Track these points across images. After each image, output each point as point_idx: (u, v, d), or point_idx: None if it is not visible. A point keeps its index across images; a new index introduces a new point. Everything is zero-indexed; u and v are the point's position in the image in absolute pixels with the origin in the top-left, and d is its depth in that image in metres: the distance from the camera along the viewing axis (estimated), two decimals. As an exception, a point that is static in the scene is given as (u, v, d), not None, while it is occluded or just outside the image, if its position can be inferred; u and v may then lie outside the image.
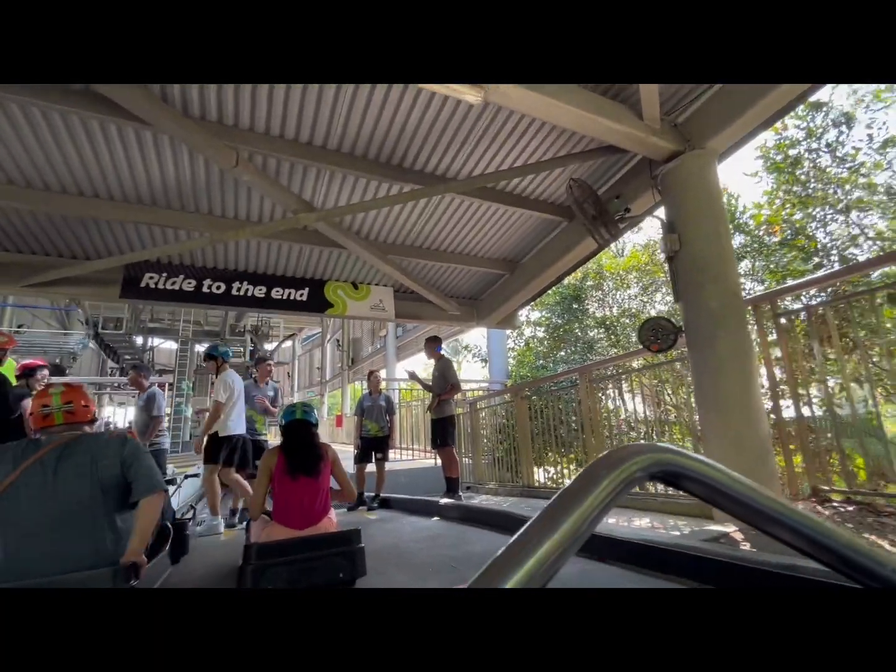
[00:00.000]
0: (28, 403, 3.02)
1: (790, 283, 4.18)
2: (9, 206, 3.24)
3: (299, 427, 2.47)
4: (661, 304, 6.97)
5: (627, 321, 6.81)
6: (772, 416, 2.95)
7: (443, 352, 4.79)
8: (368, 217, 4.15)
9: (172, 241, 3.83)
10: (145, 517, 1.81)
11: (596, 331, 7.21)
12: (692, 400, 3.23)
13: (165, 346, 18.76)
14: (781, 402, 2.99)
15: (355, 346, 17.43)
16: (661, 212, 3.32)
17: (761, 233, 5.95)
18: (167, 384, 14.46)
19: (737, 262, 3.61)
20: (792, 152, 5.84)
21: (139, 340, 16.56)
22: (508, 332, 8.60)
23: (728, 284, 2.90)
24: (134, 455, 1.88)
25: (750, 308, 2.99)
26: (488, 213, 4.28)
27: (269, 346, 18.35)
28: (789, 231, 5.54)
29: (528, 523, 0.35)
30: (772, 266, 5.60)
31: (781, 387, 3.01)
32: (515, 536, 0.34)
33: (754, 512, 0.42)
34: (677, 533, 2.60)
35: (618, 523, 2.99)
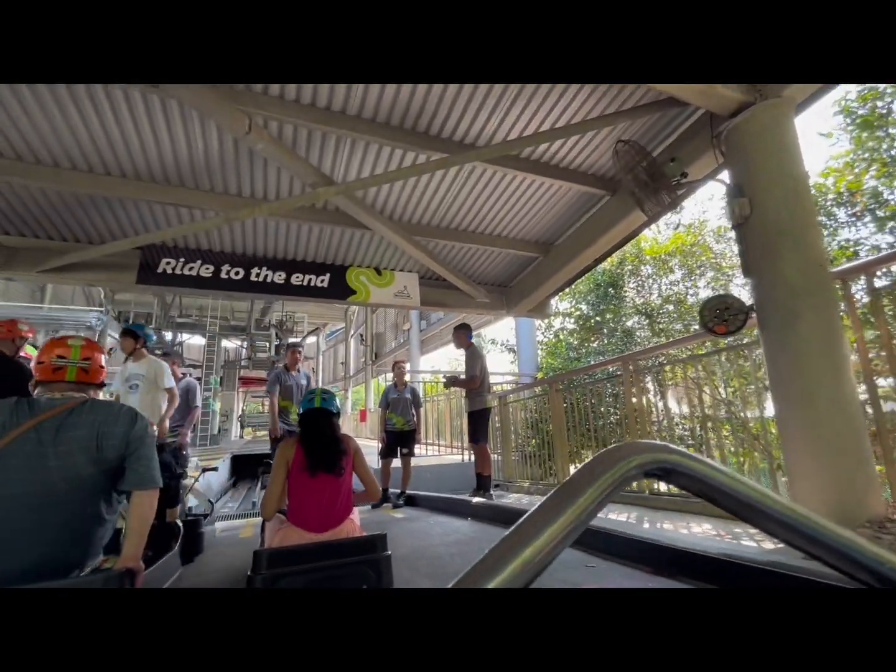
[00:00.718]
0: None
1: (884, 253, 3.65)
2: (19, 183, 3.09)
3: (318, 417, 2.18)
4: (707, 289, 6.40)
5: (671, 308, 6.28)
6: (867, 409, 2.50)
7: (473, 340, 4.50)
8: (392, 194, 3.85)
9: (188, 221, 3.63)
10: (141, 515, 1.54)
11: (636, 319, 6.71)
12: (744, 392, 2.82)
13: (192, 341, 19.10)
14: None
15: (379, 340, 17.32)
16: (724, 175, 2.90)
17: (829, 203, 5.29)
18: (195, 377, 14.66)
19: (821, 229, 3.14)
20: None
21: (168, 336, 16.89)
22: (537, 323, 8.20)
23: (812, 253, 2.46)
24: (141, 438, 1.61)
25: (838, 282, 2.55)
26: (522, 188, 3.92)
27: (293, 341, 18.43)
28: (873, 201, 4.86)
29: (523, 518, 0.35)
30: (842, 241, 4.99)
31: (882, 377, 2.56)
32: (509, 532, 0.35)
33: (746, 507, 0.42)
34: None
35: (678, 529, 2.63)
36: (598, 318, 7.47)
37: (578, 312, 7.61)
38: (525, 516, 0.35)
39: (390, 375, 5.14)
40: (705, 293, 6.28)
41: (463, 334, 4.37)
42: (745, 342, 3.23)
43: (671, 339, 4.88)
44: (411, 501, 4.62)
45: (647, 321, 6.44)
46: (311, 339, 22.08)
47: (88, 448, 1.51)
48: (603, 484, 0.37)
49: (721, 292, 3.73)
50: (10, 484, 1.39)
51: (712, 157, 2.93)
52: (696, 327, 6.11)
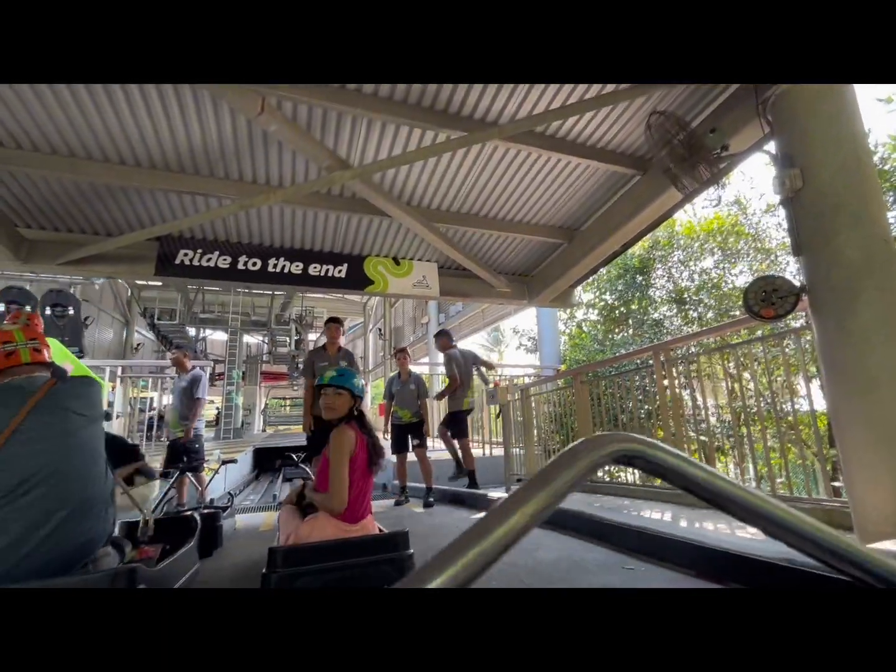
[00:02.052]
0: None
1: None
2: (36, 174, 3.08)
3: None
4: (744, 275, 6.03)
5: (704, 296, 5.93)
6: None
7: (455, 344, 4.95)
8: (410, 179, 3.71)
9: (203, 210, 3.57)
10: None
11: (667, 307, 6.39)
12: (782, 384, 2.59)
13: (214, 336, 19.44)
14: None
15: (397, 334, 17.29)
16: (770, 146, 2.66)
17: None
18: (209, 370, 14.93)
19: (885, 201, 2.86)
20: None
21: (192, 331, 17.22)
22: (560, 314, 7.97)
23: (875, 228, 2.22)
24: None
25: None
26: (546, 169, 3.73)
27: (312, 336, 18.60)
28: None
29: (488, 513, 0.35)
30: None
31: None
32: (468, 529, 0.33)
33: (702, 488, 0.43)
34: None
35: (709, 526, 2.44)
36: (622, 309, 7.20)
37: (602, 303, 7.34)
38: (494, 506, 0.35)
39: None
40: (742, 280, 5.92)
41: (443, 339, 4.71)
42: (784, 329, 3.00)
43: (704, 328, 4.61)
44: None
45: (678, 309, 6.11)
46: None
47: (90, 419, 1.51)
48: (574, 470, 0.38)
49: (766, 273, 3.46)
50: (47, 465, 1.35)
51: (757, 126, 2.70)
52: (735, 313, 5.77)
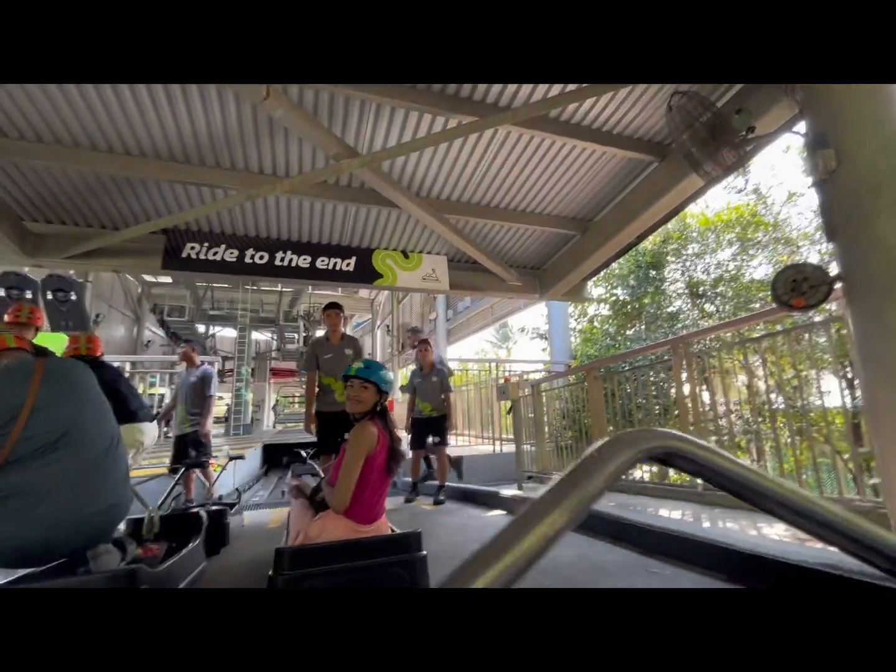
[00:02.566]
0: None
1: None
2: (40, 165, 3.03)
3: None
4: (763, 266, 5.83)
5: (723, 288, 5.73)
6: None
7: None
8: (420, 168, 3.61)
9: (210, 201, 3.50)
10: None
11: (682, 300, 6.21)
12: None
13: (223, 333, 19.52)
14: None
15: (405, 331, 17.21)
16: (800, 127, 2.51)
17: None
18: (218, 366, 15.03)
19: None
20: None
21: (201, 328, 17.31)
22: (571, 310, 7.83)
23: (918, 210, 2.08)
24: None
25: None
26: (560, 156, 3.60)
27: (320, 332, 18.56)
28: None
29: (522, 512, 0.34)
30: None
31: None
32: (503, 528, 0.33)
33: (745, 487, 0.42)
34: None
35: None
36: (635, 304, 7.05)
37: (614, 298, 7.18)
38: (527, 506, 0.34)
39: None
40: (762, 272, 5.73)
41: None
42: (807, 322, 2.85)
43: (724, 321, 4.46)
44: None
45: (694, 302, 5.93)
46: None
47: (88, 385, 1.70)
48: (608, 469, 0.37)
49: (797, 262, 3.29)
50: (67, 424, 1.53)
51: (786, 105, 2.55)
52: (755, 306, 5.58)
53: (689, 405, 3.42)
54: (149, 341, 17.61)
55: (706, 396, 3.42)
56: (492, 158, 3.57)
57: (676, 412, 5.09)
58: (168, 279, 17.44)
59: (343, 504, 1.71)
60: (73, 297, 5.48)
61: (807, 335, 3.13)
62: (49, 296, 5.42)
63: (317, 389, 3.62)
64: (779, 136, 2.78)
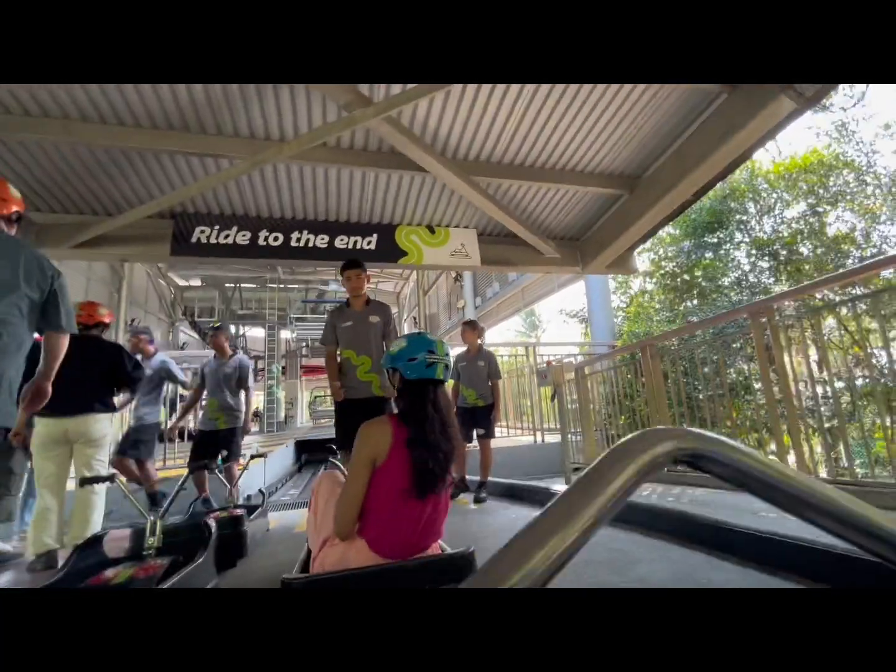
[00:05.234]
0: None
1: None
2: (30, 139, 2.78)
3: (442, 396, 1.40)
4: (844, 218, 5.02)
5: (805, 247, 4.94)
6: None
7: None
8: (444, 122, 3.17)
9: (214, 173, 3.17)
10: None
11: (748, 263, 5.44)
12: None
13: (252, 333, 19.77)
14: None
15: (432, 322, 16.90)
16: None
17: None
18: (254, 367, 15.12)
19: None
20: None
21: (231, 328, 17.54)
22: (612, 286, 7.22)
23: None
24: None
25: None
26: (605, 99, 3.08)
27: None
28: None
29: (545, 509, 0.34)
30: None
31: None
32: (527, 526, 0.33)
33: (783, 494, 0.39)
34: None
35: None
36: (685, 276, 6.38)
37: (662, 271, 6.52)
38: (548, 506, 0.34)
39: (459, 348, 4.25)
40: (846, 224, 4.89)
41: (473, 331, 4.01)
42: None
43: (810, 281, 3.80)
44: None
45: (772, 263, 5.17)
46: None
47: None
48: (630, 472, 0.35)
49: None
50: None
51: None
52: (849, 262, 4.78)
53: (776, 383, 2.87)
54: (184, 343, 18.04)
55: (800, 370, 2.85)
56: (525, 106, 3.08)
57: (745, 394, 4.49)
58: (198, 282, 17.79)
59: (345, 527, 1.28)
60: None
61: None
62: None
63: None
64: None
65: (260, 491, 3.74)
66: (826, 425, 4.01)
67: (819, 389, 3.01)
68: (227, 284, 17.71)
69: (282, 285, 17.69)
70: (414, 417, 1.33)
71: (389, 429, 1.30)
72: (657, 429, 0.38)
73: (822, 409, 3.64)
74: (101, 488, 2.68)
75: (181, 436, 5.20)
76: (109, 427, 2.86)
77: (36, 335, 3.32)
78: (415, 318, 18.05)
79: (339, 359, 2.93)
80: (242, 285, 17.99)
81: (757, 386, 3.82)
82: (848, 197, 4.80)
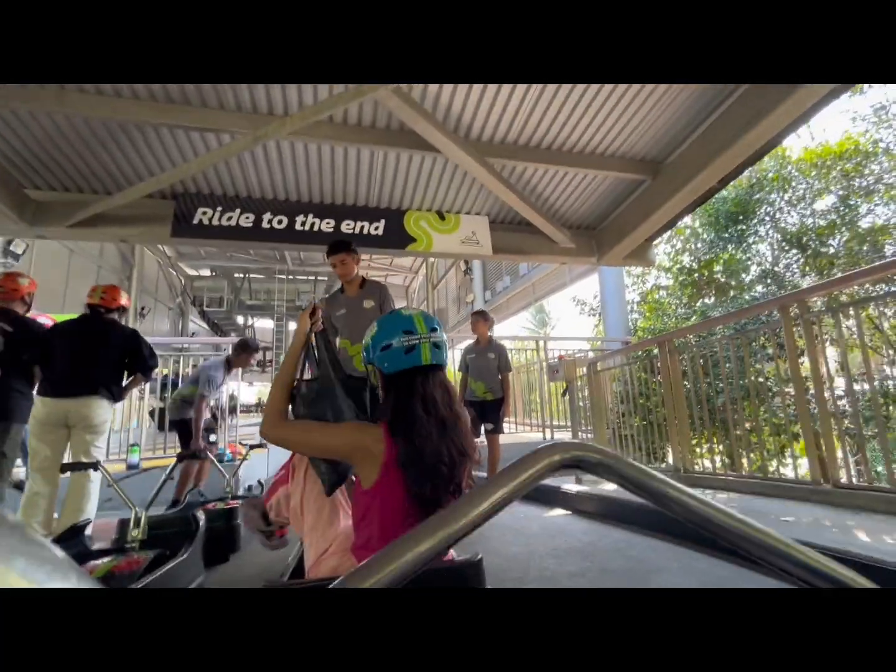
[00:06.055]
0: None
1: None
2: (23, 109, 2.66)
3: (438, 386, 1.09)
4: (877, 213, 4.74)
5: (834, 240, 4.67)
6: None
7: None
8: (456, 99, 2.99)
9: (216, 149, 3.03)
10: None
11: (773, 256, 5.17)
12: None
13: (260, 325, 19.78)
14: None
15: (441, 316, 16.75)
16: None
17: None
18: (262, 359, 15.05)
19: None
20: None
21: (240, 319, 17.56)
22: (627, 281, 6.99)
23: None
24: None
25: None
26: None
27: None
28: None
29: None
30: None
31: None
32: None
33: (649, 490, 0.43)
34: None
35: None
36: (703, 272, 6.14)
37: (679, 265, 6.28)
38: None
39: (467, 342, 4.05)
40: (882, 215, 4.59)
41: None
42: None
43: (839, 275, 3.56)
44: None
45: (800, 256, 4.90)
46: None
47: None
48: (524, 478, 0.41)
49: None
50: None
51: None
52: (886, 252, 4.48)
53: (807, 385, 2.68)
54: (193, 333, 18.11)
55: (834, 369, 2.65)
56: (543, 84, 2.89)
57: (774, 394, 4.25)
58: (207, 272, 17.82)
59: (265, 428, 1.11)
60: None
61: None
62: None
63: None
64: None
65: (259, 482, 3.62)
66: (867, 433, 3.78)
67: (857, 387, 2.81)
68: (236, 275, 17.70)
69: (290, 276, 17.63)
70: (401, 427, 1.03)
71: (383, 447, 1.02)
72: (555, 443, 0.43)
73: (864, 411, 3.42)
74: (96, 476, 2.58)
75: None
76: (110, 413, 2.76)
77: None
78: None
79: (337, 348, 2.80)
80: (251, 276, 17.98)
81: (787, 389, 3.61)
82: (883, 188, 4.51)
